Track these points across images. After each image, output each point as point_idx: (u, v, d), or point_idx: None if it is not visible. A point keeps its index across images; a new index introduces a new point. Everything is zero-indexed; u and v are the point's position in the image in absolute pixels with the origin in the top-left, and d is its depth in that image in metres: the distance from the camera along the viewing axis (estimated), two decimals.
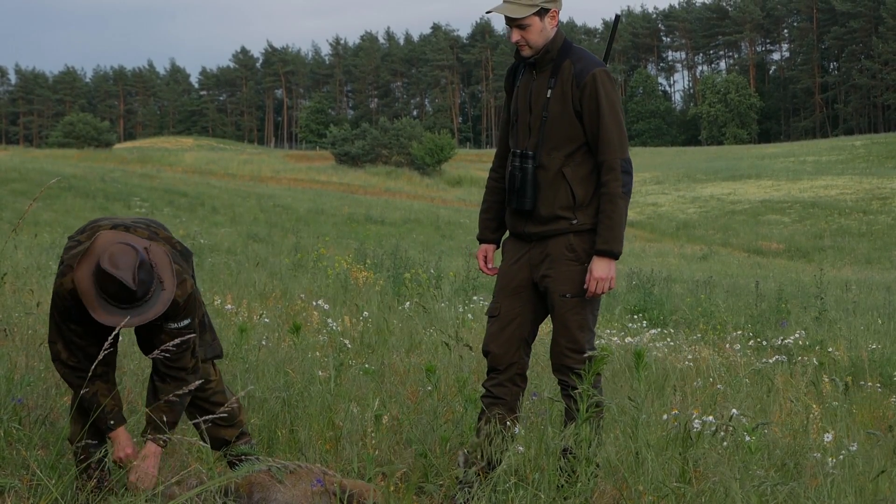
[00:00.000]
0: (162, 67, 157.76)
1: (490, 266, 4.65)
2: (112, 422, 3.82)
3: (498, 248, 4.67)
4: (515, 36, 4.30)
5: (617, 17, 4.69)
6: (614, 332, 9.21)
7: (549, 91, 4.30)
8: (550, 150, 4.30)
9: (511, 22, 4.27)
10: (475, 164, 69.32)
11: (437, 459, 4.57)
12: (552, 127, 4.29)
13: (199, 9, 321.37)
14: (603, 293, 4.25)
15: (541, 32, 4.28)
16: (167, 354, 3.75)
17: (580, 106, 4.26)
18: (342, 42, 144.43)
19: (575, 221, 4.28)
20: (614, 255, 4.22)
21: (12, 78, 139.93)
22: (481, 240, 4.69)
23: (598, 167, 4.28)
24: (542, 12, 4.26)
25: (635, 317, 11.79)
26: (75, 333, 3.75)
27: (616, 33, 4.68)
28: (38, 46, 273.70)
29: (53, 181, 4.71)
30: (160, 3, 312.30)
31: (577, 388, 4.18)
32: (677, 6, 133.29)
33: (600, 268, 4.21)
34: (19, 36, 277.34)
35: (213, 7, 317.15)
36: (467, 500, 4.03)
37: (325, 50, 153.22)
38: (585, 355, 4.26)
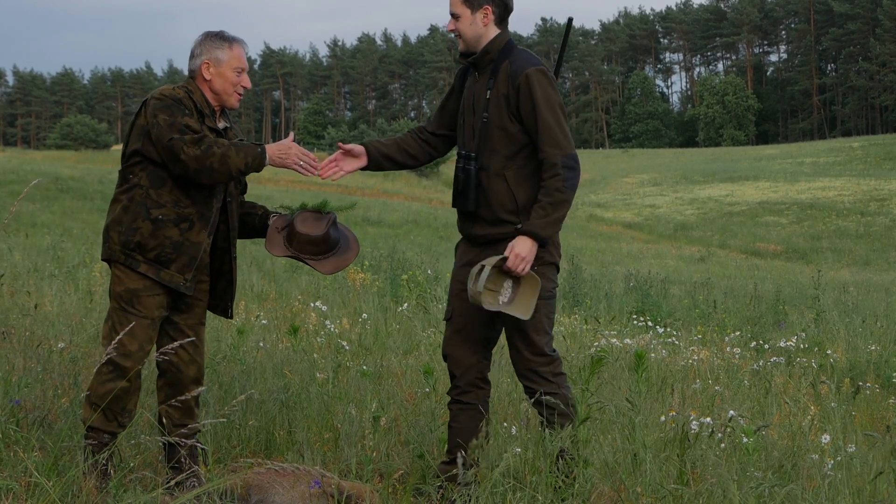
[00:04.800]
0: (160, 69, 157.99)
1: (323, 163, 4.50)
2: (260, 149, 4.14)
3: (366, 165, 4.54)
4: (451, 25, 4.40)
5: (569, 20, 4.68)
6: (614, 333, 9.20)
7: (489, 93, 4.34)
8: (491, 153, 4.32)
9: (450, 10, 4.39)
10: None
11: (434, 461, 4.57)
12: (492, 129, 4.32)
13: (199, 11, 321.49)
14: (518, 271, 4.18)
15: (470, 25, 4.35)
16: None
17: (517, 107, 4.28)
18: (340, 44, 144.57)
19: (519, 226, 4.27)
20: (539, 238, 4.18)
21: (10, 79, 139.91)
22: (364, 144, 4.56)
23: (539, 166, 4.28)
24: (473, 4, 4.32)
25: (642, 318, 11.76)
26: (186, 122, 4.11)
27: (569, 38, 4.68)
28: (36, 48, 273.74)
29: (35, 182, 4.72)
30: (158, 4, 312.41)
31: (544, 393, 4.25)
32: (675, 8, 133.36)
33: (522, 245, 4.17)
34: (17, 38, 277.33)
35: (212, 9, 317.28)
36: (466, 501, 4.03)
37: (323, 52, 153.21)
38: (547, 357, 4.32)
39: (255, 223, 4.51)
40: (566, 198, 4.19)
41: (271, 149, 4.19)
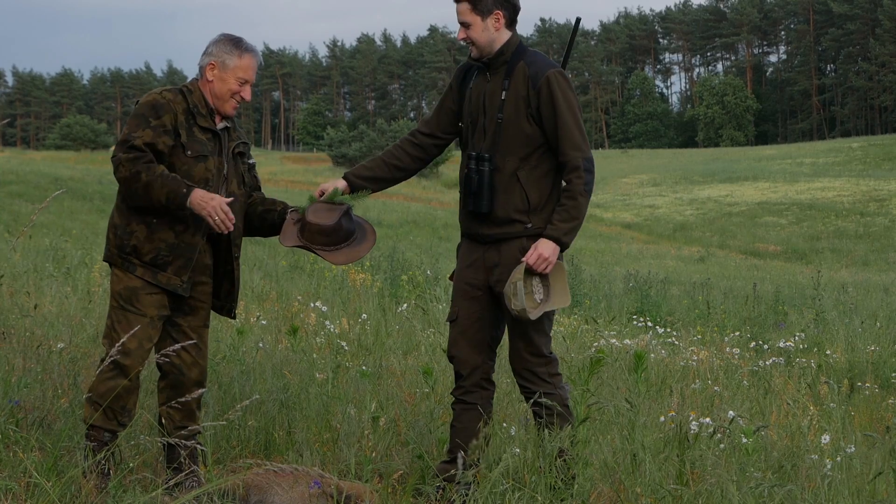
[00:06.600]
0: (159, 69, 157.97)
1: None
2: (185, 189, 4.06)
3: (352, 190, 4.51)
4: (461, 34, 4.38)
5: (578, 20, 4.68)
6: (614, 333, 9.20)
7: (504, 93, 4.33)
8: (505, 153, 4.32)
9: (459, 20, 4.37)
10: None
11: (434, 461, 4.57)
12: (507, 129, 4.32)
13: (199, 11, 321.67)
14: (541, 271, 4.23)
15: (483, 32, 4.33)
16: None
17: (537, 109, 4.28)
18: (339, 44, 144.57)
19: (529, 225, 4.31)
20: (561, 243, 4.24)
21: (10, 80, 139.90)
22: (345, 176, 4.54)
23: (559, 167, 4.31)
24: (483, 12, 4.31)
25: (642, 319, 11.76)
26: (163, 129, 4.12)
27: (576, 37, 4.69)
28: (36, 48, 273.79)
29: (59, 192, 4.78)
30: (158, 4, 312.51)
31: (542, 394, 4.28)
32: (674, 8, 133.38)
33: (546, 247, 4.23)
34: (17, 38, 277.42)
35: (212, 9, 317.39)
36: (465, 502, 4.03)
37: (323, 52, 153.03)
38: (544, 358, 4.34)
39: (273, 220, 4.48)
40: (586, 201, 4.26)
41: (195, 195, 4.07)
